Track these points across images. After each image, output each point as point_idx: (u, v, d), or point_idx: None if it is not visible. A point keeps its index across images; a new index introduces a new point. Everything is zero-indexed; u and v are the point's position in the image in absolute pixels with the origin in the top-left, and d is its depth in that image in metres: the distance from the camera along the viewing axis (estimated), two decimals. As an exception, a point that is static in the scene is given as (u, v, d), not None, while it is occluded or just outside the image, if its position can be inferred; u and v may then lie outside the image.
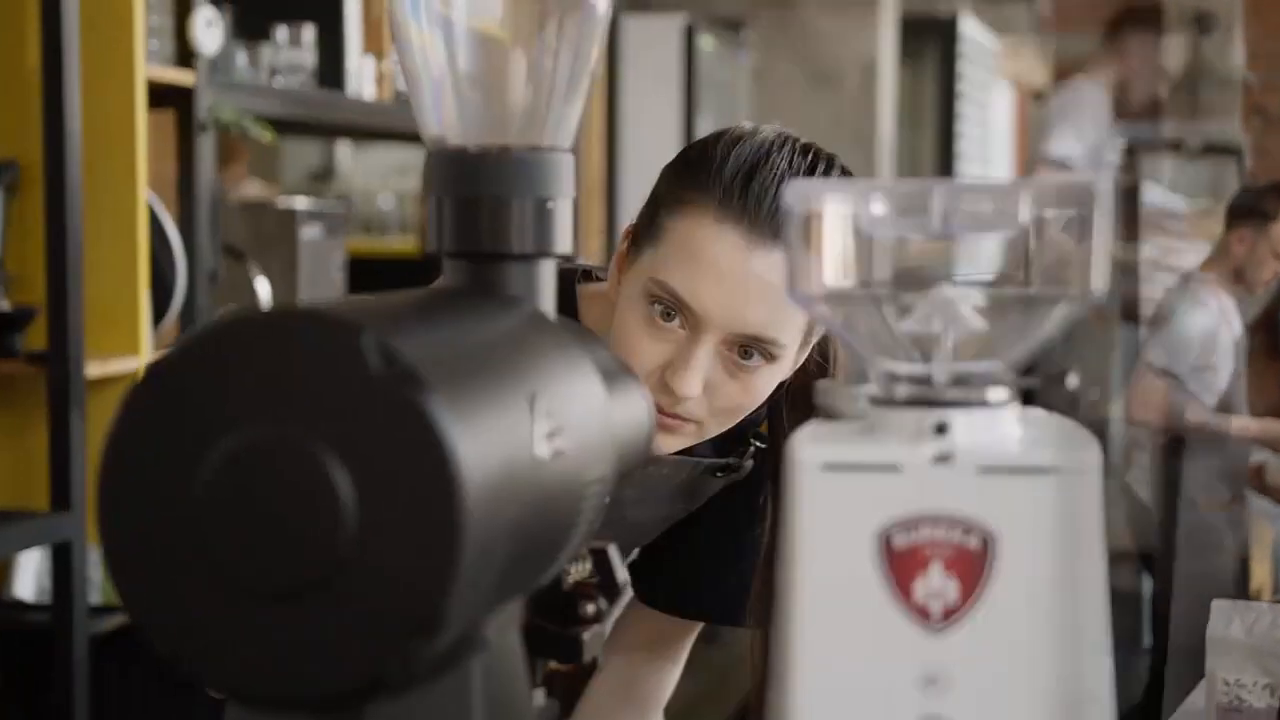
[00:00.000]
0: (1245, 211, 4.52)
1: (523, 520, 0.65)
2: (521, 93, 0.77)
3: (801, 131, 1.43)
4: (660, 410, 1.26)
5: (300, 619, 0.59)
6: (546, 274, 0.77)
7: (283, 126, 3.51)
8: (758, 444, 1.45)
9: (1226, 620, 1.91)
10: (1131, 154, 4.70)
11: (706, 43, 5.18)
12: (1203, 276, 4.53)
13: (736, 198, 1.24)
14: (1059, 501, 0.65)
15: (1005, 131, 8.91)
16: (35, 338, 2.53)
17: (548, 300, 0.77)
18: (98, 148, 2.60)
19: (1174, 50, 4.67)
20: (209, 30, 2.83)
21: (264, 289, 3.13)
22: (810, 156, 1.28)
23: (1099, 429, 4.43)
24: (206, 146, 2.89)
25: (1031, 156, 4.69)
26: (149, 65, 2.73)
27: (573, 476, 0.70)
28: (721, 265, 1.23)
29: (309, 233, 3.29)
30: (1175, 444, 4.34)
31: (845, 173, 1.31)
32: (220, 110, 2.88)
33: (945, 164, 7.44)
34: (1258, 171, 9.54)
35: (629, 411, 0.82)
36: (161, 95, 2.83)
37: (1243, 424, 4.64)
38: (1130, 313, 4.81)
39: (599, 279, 1.45)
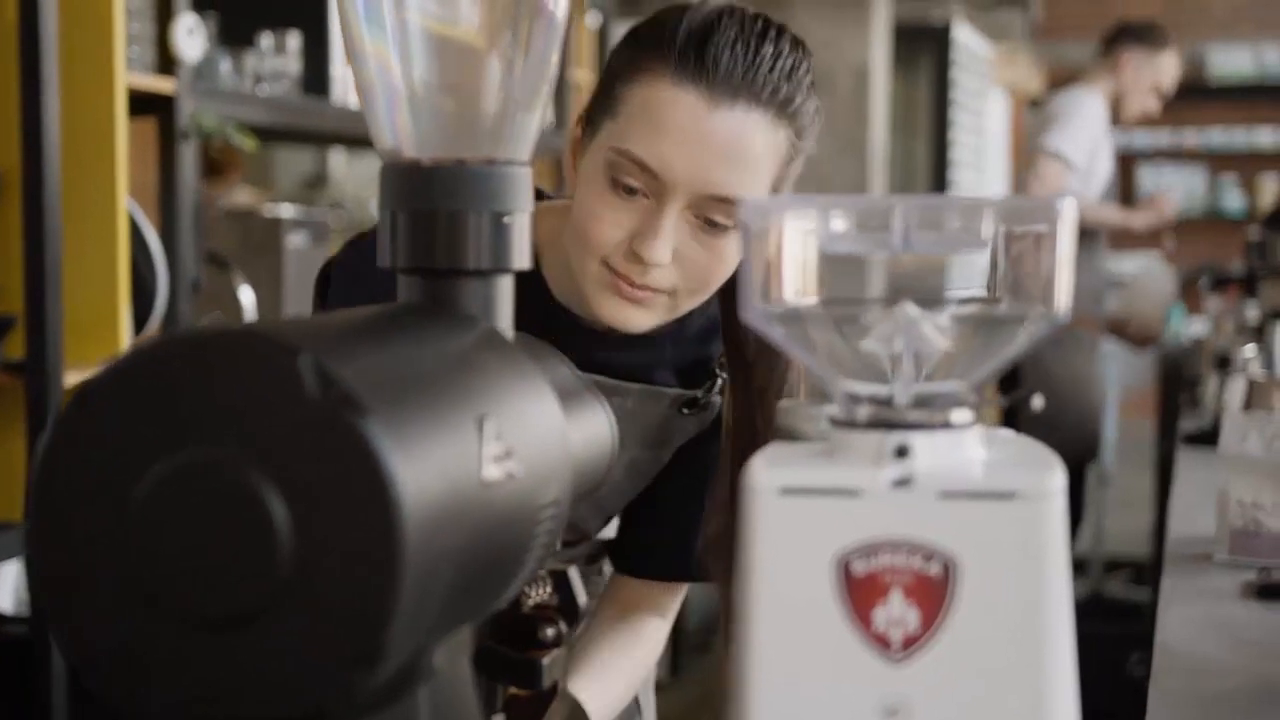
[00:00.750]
0: (1135, 36, 4.56)
1: (470, 546, 0.63)
2: (477, 104, 0.75)
3: None
4: (630, 283, 1.27)
5: (235, 649, 0.58)
6: (504, 290, 0.75)
7: (268, 134, 3.48)
8: (723, 376, 1.43)
9: (1241, 434, 1.80)
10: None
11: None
12: (1089, 88, 4.57)
13: (693, 60, 1.25)
14: (1022, 527, 0.63)
15: (1000, 138, 8.90)
16: (13, 347, 2.50)
17: (505, 317, 0.75)
18: (78, 155, 2.58)
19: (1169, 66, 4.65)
20: (190, 38, 2.81)
21: (248, 298, 3.11)
22: (761, 23, 1.29)
23: (1088, 443, 4.42)
24: (188, 154, 2.87)
25: (1028, 151, 4.64)
26: (130, 73, 2.70)
27: (525, 500, 0.68)
28: (683, 126, 1.24)
29: (295, 241, 3.27)
30: None
31: (798, 43, 1.31)
32: (202, 118, 2.86)
33: (940, 171, 7.43)
34: (1044, 21, 9.56)
35: (588, 430, 0.80)
36: (143, 103, 2.81)
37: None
38: (1115, 328, 4.80)
39: (547, 197, 1.46)
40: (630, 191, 1.26)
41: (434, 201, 0.73)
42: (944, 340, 0.66)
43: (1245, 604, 1.64)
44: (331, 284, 1.42)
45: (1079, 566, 5.49)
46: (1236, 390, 2.69)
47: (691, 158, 1.24)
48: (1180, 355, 4.69)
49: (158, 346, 0.59)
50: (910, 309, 0.66)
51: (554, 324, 1.32)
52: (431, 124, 0.74)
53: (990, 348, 0.67)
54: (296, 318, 0.65)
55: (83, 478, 0.59)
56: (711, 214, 1.26)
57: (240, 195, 4.71)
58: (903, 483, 0.64)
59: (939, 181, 7.46)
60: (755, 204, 0.67)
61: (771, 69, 1.26)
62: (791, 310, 0.67)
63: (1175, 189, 9.31)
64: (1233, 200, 9.53)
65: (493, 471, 0.64)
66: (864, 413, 0.66)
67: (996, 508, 0.63)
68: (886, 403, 0.66)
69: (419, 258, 0.74)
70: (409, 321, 0.70)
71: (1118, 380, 5.80)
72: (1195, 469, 2.54)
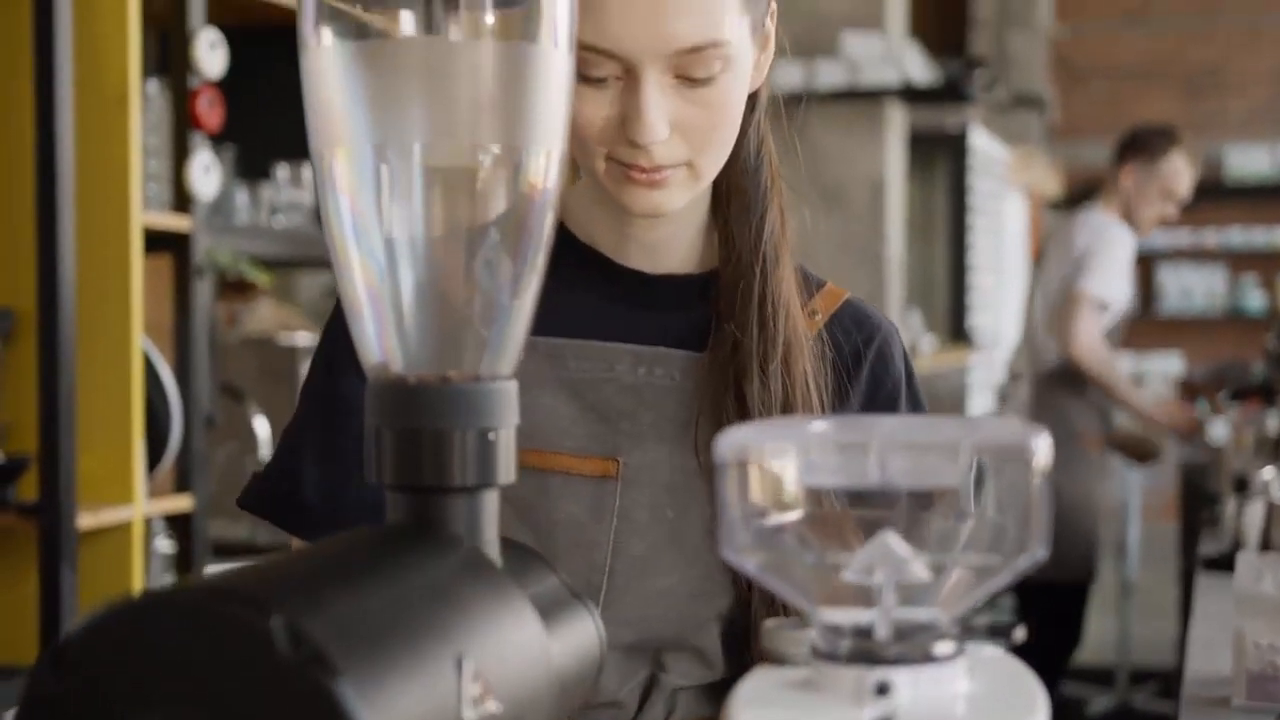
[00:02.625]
0: (1134, 147, 4.59)
1: (448, 792, 0.62)
2: (465, 319, 0.75)
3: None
4: (641, 169, 1.20)
5: None
6: (489, 506, 0.75)
7: (284, 264, 3.51)
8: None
9: (1255, 574, 1.75)
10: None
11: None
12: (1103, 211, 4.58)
13: None
14: (1004, 770, 0.62)
15: (1018, 239, 8.93)
16: (27, 488, 2.51)
17: (490, 533, 0.75)
18: (93, 295, 2.60)
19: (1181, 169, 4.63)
20: (206, 175, 2.84)
21: (263, 428, 3.12)
22: None
23: (1085, 562, 4.35)
24: (203, 291, 2.89)
25: (1060, 286, 4.50)
26: (146, 211, 2.73)
27: (505, 734, 0.67)
28: None
29: (311, 368, 3.29)
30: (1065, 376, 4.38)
31: None
32: (217, 254, 2.88)
33: (958, 276, 7.44)
34: (1061, 122, 9.57)
35: (572, 644, 0.79)
36: (159, 240, 2.83)
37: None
38: (1115, 443, 4.76)
39: None
40: (601, 81, 1.18)
41: (419, 420, 0.73)
42: (925, 572, 0.65)
43: (1263, 756, 1.61)
44: (335, 317, 1.32)
45: (1105, 677, 5.43)
46: (1255, 515, 2.67)
47: (643, 20, 1.16)
48: (1199, 468, 4.65)
49: (130, 606, 0.59)
50: (891, 541, 0.65)
51: (588, 273, 1.28)
52: (418, 342, 0.75)
53: (974, 580, 0.67)
54: (273, 562, 0.65)
55: (56, 735, 0.59)
56: (690, 70, 1.18)
57: (264, 310, 4.74)
58: (883, 723, 0.63)
59: (957, 285, 7.47)
60: (731, 439, 0.67)
61: None
62: (767, 538, 0.67)
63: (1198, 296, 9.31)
64: (1253, 300, 9.53)
65: (471, 714, 0.64)
66: (844, 646, 0.66)
67: (978, 750, 0.62)
68: (867, 633, 0.66)
69: (404, 475, 0.74)
70: (389, 550, 0.70)
71: (1140, 486, 5.76)
72: (1214, 598, 2.51)
